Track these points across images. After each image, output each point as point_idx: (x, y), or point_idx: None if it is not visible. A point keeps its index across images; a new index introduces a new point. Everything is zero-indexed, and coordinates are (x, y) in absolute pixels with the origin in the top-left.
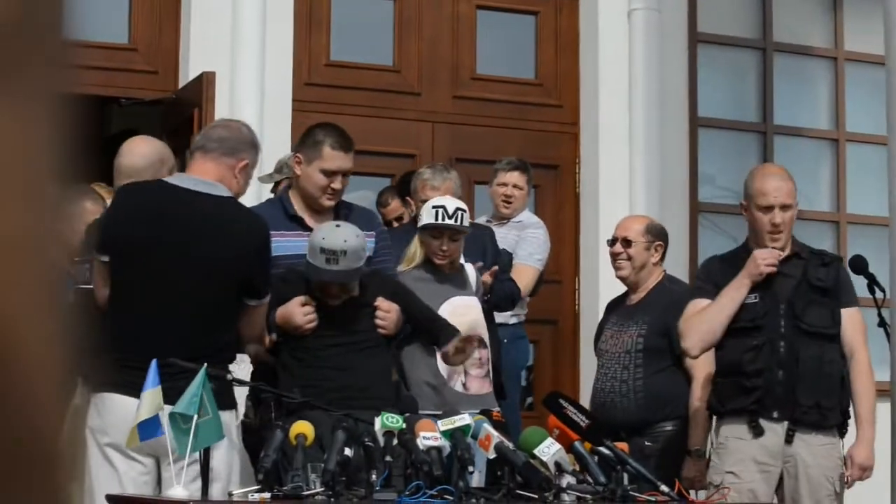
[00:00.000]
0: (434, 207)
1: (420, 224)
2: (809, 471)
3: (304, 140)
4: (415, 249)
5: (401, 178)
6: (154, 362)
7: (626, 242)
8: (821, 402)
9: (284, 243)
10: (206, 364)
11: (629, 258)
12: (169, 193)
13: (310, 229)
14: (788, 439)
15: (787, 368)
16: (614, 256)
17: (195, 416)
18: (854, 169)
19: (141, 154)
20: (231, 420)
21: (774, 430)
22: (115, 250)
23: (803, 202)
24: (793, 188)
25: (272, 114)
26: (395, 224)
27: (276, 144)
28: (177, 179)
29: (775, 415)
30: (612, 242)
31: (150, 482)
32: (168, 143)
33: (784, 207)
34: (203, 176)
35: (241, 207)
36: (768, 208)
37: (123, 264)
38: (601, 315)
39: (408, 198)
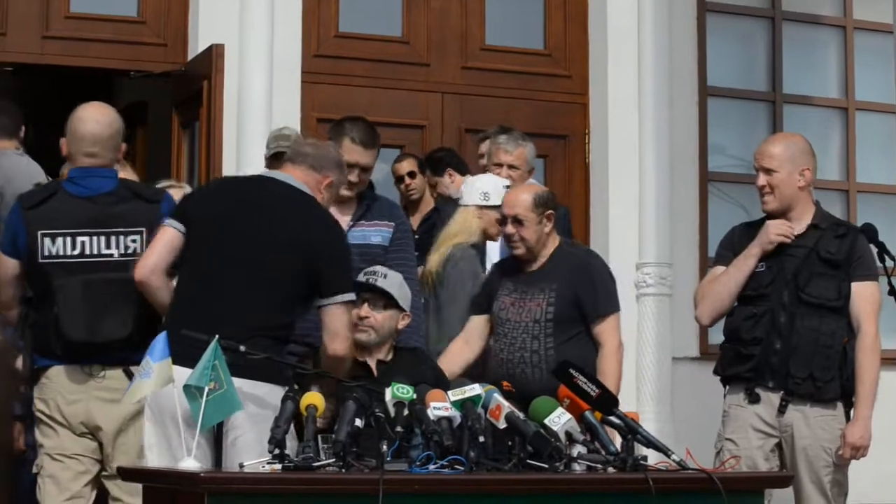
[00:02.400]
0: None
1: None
2: (804, 442)
3: (333, 129)
4: (473, 224)
5: (429, 153)
6: (163, 333)
7: (518, 222)
8: (814, 374)
9: None
10: (217, 336)
11: (522, 239)
12: (256, 181)
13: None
14: (781, 409)
15: (785, 339)
16: (508, 237)
17: (206, 388)
18: (863, 137)
19: (104, 122)
20: (277, 395)
21: (770, 400)
22: (190, 225)
23: None
24: (779, 153)
25: (281, 85)
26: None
27: (285, 116)
28: (269, 173)
29: (771, 384)
30: (502, 222)
31: (208, 450)
32: (178, 115)
33: (766, 170)
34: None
35: (321, 206)
36: (756, 170)
37: (195, 240)
38: None
39: (449, 169)
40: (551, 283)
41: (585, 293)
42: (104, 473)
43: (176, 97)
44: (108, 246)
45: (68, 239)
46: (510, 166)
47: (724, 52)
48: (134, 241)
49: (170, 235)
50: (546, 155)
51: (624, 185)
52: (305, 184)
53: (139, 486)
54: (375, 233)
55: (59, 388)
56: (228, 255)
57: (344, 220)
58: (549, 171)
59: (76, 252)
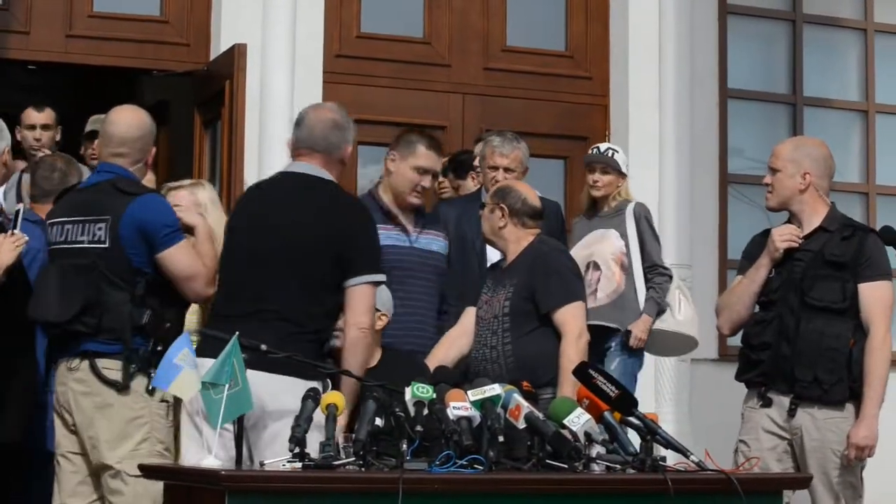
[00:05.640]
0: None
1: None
2: (814, 444)
3: (399, 140)
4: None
5: (452, 156)
6: (185, 336)
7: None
8: (819, 377)
9: (382, 234)
10: (237, 333)
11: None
12: (278, 179)
13: (402, 225)
14: (791, 412)
15: (792, 343)
16: None
17: (225, 386)
18: (884, 140)
19: (133, 124)
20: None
21: (781, 403)
22: (229, 236)
23: None
24: (785, 153)
25: (303, 85)
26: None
27: None
28: (290, 167)
29: (781, 387)
30: None
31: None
32: (200, 115)
33: (771, 169)
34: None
35: (345, 191)
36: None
37: (231, 245)
38: None
39: (472, 172)
40: (513, 278)
41: (540, 285)
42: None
43: (198, 97)
44: (81, 233)
45: (57, 227)
46: (506, 169)
47: (745, 54)
48: (100, 228)
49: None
50: (566, 156)
51: (644, 186)
52: (326, 169)
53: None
54: (434, 241)
55: (59, 379)
56: (261, 251)
57: (409, 227)
58: (569, 173)
59: (61, 239)
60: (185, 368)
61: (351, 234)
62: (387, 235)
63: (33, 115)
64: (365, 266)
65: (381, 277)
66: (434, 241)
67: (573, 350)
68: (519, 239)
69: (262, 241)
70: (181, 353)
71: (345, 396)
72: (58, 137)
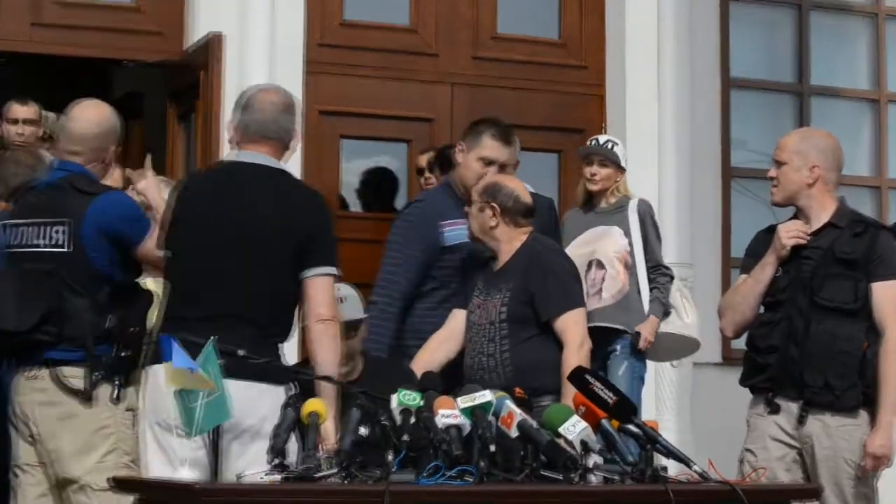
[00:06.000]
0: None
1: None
2: (825, 452)
3: (468, 130)
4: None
5: (438, 150)
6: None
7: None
8: (830, 382)
9: (460, 230)
10: (213, 338)
11: (471, 228)
12: (227, 169)
13: None
14: (801, 419)
15: (801, 346)
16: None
17: (201, 394)
18: (895, 131)
19: (94, 121)
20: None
21: (790, 409)
22: (173, 237)
23: None
24: (791, 145)
25: (283, 76)
26: (427, 177)
27: None
28: (239, 156)
29: (790, 393)
30: None
31: (205, 455)
32: (173, 106)
33: (776, 162)
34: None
35: (299, 180)
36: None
37: (180, 240)
38: None
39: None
40: (508, 281)
41: (538, 290)
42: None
43: (172, 88)
44: (38, 236)
45: (11, 229)
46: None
47: (749, 42)
48: (57, 231)
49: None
50: (560, 150)
51: (642, 182)
52: (276, 157)
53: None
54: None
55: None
56: (218, 248)
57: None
58: (563, 167)
59: (17, 242)
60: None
61: (312, 223)
62: (462, 231)
63: (17, 110)
64: (325, 257)
65: (339, 272)
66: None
67: (575, 360)
68: (511, 239)
69: (218, 238)
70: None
71: (324, 401)
72: (42, 132)
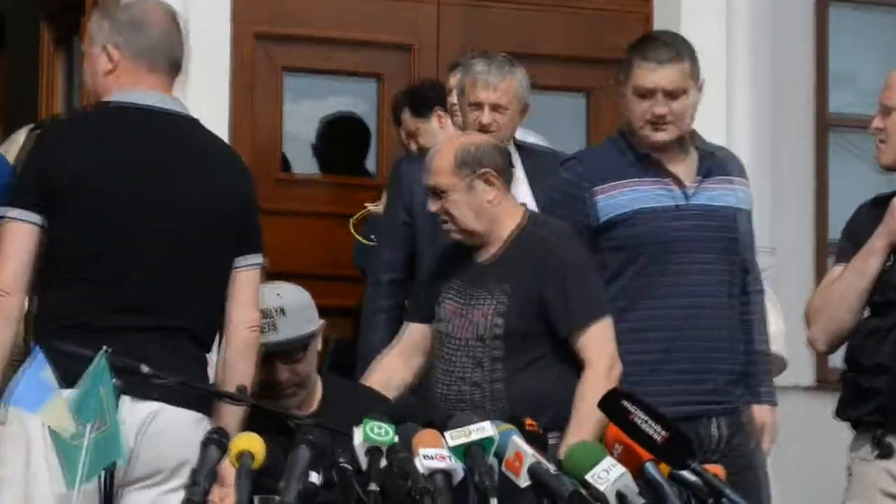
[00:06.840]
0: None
1: None
2: None
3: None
4: None
5: (411, 87)
6: (36, 347)
7: (439, 194)
8: None
9: (642, 193)
10: (106, 349)
11: (452, 218)
12: (139, 119)
13: (667, 170)
14: None
15: None
16: (442, 223)
17: (88, 427)
18: None
19: None
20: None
21: None
22: (53, 204)
23: None
24: None
25: None
26: (412, 144)
27: (208, 33)
28: (153, 100)
29: None
30: (430, 197)
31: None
32: (49, 29)
33: (884, 109)
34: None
35: (210, 131)
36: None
37: (66, 219)
38: None
39: (438, 110)
40: (502, 281)
41: (554, 295)
42: None
43: (47, 5)
44: None
45: None
46: (494, 106)
47: None
48: None
49: (22, 235)
50: (590, 88)
51: (706, 125)
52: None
53: None
54: (725, 193)
55: None
56: (143, 231)
57: (682, 174)
58: (593, 113)
59: None
60: (57, 389)
61: (246, 196)
62: (650, 193)
63: None
64: (255, 242)
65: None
66: (725, 194)
67: (602, 388)
68: (507, 216)
69: (141, 217)
70: (44, 369)
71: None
72: None
